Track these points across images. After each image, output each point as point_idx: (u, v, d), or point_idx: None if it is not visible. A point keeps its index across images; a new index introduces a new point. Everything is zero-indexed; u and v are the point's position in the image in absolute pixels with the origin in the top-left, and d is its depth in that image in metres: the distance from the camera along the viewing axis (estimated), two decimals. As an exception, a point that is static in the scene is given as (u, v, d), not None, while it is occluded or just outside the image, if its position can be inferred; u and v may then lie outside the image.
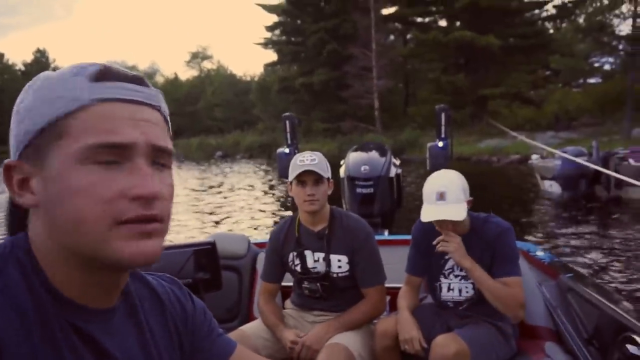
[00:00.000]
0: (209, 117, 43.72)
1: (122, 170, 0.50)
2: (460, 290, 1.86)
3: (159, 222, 0.52)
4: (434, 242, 1.77)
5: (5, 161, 0.53)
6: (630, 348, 1.42)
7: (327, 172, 1.79)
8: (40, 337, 0.49)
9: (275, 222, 7.93)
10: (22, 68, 51.01)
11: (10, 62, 52.08)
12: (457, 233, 1.77)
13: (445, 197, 1.72)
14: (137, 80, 0.54)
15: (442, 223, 1.75)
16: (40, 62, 49.59)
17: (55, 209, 0.50)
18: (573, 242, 6.34)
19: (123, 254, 0.50)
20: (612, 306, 1.63)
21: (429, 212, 1.75)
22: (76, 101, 0.50)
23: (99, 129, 0.50)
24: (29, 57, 52.38)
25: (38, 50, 51.76)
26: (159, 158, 0.54)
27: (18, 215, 0.57)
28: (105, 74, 0.52)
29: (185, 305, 0.71)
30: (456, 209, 1.71)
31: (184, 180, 16.57)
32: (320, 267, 1.84)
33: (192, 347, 0.70)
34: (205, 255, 1.93)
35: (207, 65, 53.72)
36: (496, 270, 1.75)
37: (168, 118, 0.58)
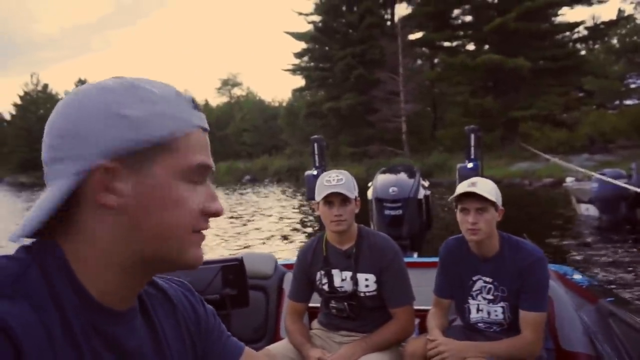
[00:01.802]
0: (237, 141, 44.61)
1: (201, 189, 0.59)
2: (489, 313, 1.80)
3: None
4: (428, 348, 1.71)
5: (102, 161, 0.52)
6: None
7: (354, 192, 1.78)
8: (61, 341, 0.50)
9: (303, 244, 7.93)
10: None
11: (53, 92, 55.06)
12: (485, 234, 1.70)
13: (476, 185, 1.70)
14: (201, 109, 0.62)
15: (469, 204, 1.69)
16: (81, 91, 52.08)
17: (149, 214, 0.55)
18: (613, 267, 6.05)
19: (195, 258, 0.59)
20: None
21: (459, 191, 1.71)
22: (187, 124, 0.58)
23: (200, 151, 0.58)
24: (71, 87, 55.24)
25: (80, 80, 54.53)
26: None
27: (57, 216, 0.54)
28: (195, 103, 0.61)
29: (197, 308, 0.72)
30: (486, 192, 1.68)
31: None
32: (348, 286, 1.82)
33: (205, 350, 0.71)
34: (233, 272, 1.94)
35: (237, 91, 55.22)
36: (523, 302, 1.70)
37: None
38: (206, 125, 0.61)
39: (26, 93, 53.94)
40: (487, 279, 1.78)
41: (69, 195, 0.53)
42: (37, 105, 53.33)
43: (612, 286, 4.69)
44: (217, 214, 0.60)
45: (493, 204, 1.70)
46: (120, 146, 0.53)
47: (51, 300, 0.51)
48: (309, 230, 10.20)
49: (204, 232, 0.61)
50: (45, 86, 54.87)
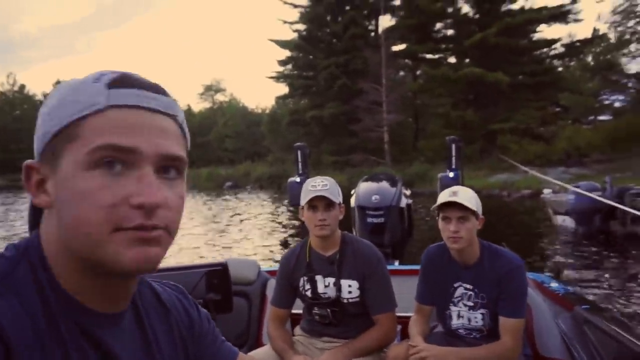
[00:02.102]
0: (219, 147, 44.31)
1: (126, 177, 0.50)
2: (469, 319, 1.83)
3: (162, 228, 0.52)
4: (410, 353, 1.71)
5: (26, 162, 0.54)
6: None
7: (338, 197, 1.80)
8: (48, 338, 0.49)
9: (285, 250, 7.92)
10: (42, 99, 52.58)
11: (30, 93, 53.85)
12: (466, 242, 1.74)
13: (457, 194, 1.73)
14: (155, 88, 0.54)
15: (451, 213, 1.73)
16: (59, 92, 51.04)
17: (63, 211, 0.51)
18: (588, 276, 6.21)
19: (121, 260, 0.50)
20: (631, 338, 1.58)
21: (441, 200, 1.74)
22: (93, 106, 0.50)
23: (109, 132, 0.50)
24: (49, 88, 54.11)
25: (58, 82, 53.38)
26: (170, 167, 0.53)
27: (37, 214, 0.58)
28: (123, 80, 0.52)
29: (190, 312, 0.71)
30: (467, 201, 1.71)
31: (194, 209, 16.64)
32: (331, 292, 1.83)
33: (197, 354, 0.70)
34: (217, 277, 1.93)
35: (220, 97, 54.97)
36: (502, 308, 1.74)
37: (185, 127, 0.57)
38: (132, 102, 0.51)
39: (1, 93, 52.63)
40: (468, 286, 1.81)
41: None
42: (13, 105, 52.06)
43: (587, 294, 4.80)
44: (148, 205, 0.49)
45: (474, 212, 1.73)
46: (39, 144, 0.53)
47: (38, 297, 0.50)
48: (291, 237, 10.16)
49: (149, 230, 0.50)
50: (22, 87, 53.66)
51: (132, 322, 0.61)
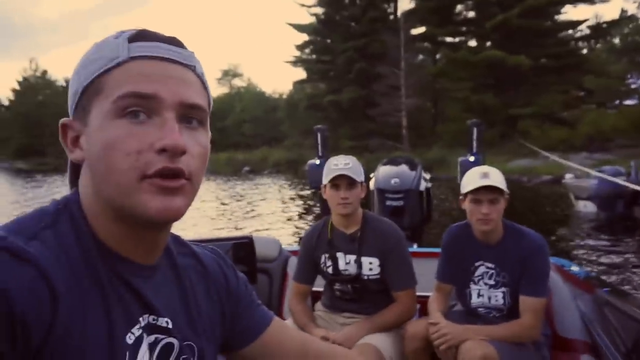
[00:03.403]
0: (237, 132, 44.51)
1: (150, 125, 0.52)
2: (489, 298, 1.85)
3: (186, 178, 0.53)
4: (431, 332, 1.70)
5: (61, 120, 0.57)
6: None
7: (360, 176, 1.83)
8: (88, 282, 0.52)
9: (303, 231, 8.02)
10: (64, 84, 53.46)
11: (52, 78, 54.80)
12: (495, 223, 1.76)
13: (489, 176, 1.75)
14: (173, 41, 0.56)
15: (482, 196, 1.73)
16: (81, 78, 51.73)
17: (94, 162, 0.54)
18: (609, 261, 6.14)
19: (148, 208, 0.52)
20: None
21: (474, 184, 1.75)
22: (114, 60, 0.53)
23: (131, 81, 0.52)
24: (70, 74, 54.86)
25: (78, 67, 54.19)
26: (191, 115, 0.55)
27: (76, 171, 0.61)
28: (142, 35, 0.55)
29: (228, 275, 0.74)
30: (499, 183, 1.73)
31: (215, 191, 16.86)
32: (352, 269, 1.86)
33: (234, 316, 0.73)
34: (244, 249, 1.99)
35: (237, 82, 54.95)
36: (524, 287, 1.75)
37: (204, 78, 0.59)
38: (151, 52, 0.54)
39: (25, 78, 53.60)
40: (490, 265, 1.83)
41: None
42: (35, 91, 53.06)
43: (609, 278, 4.76)
44: (172, 148, 0.51)
45: (503, 193, 1.75)
46: (72, 102, 0.57)
47: (78, 246, 0.54)
48: (309, 219, 10.25)
49: (173, 178, 0.52)
50: (45, 72, 54.51)
51: (169, 277, 0.64)
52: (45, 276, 0.48)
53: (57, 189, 18.44)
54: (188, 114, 0.55)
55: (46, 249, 0.50)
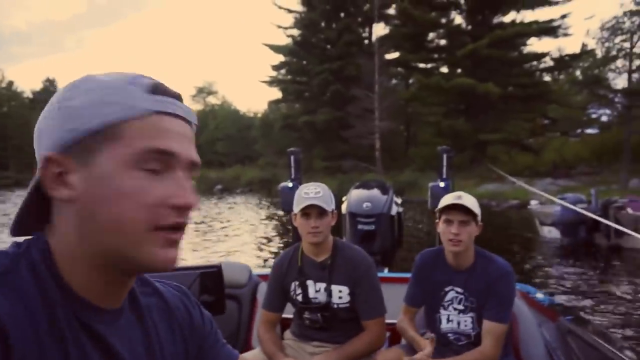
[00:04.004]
0: (210, 150, 44.14)
1: (163, 179, 0.54)
2: (459, 323, 1.87)
3: (183, 231, 0.56)
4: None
5: (47, 153, 0.53)
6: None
7: (331, 205, 1.82)
8: (47, 334, 0.50)
9: (275, 255, 7.92)
10: (30, 96, 51.98)
11: (19, 90, 53.16)
12: (465, 245, 1.79)
13: (462, 198, 1.79)
14: (179, 97, 0.59)
15: (454, 216, 1.77)
16: (49, 90, 50.48)
17: (99, 207, 0.52)
18: (572, 287, 6.31)
19: (156, 259, 0.54)
20: (612, 349, 1.63)
21: (446, 202, 1.80)
22: (133, 109, 0.53)
23: (152, 136, 0.53)
24: (38, 86, 53.55)
25: (47, 80, 52.96)
26: (192, 172, 0.58)
27: (35, 212, 0.57)
28: (157, 88, 0.56)
29: (193, 313, 0.72)
30: (471, 205, 1.77)
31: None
32: (322, 297, 1.85)
33: (198, 356, 0.71)
34: (211, 278, 1.95)
35: (212, 100, 54.77)
36: (487, 311, 1.78)
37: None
38: (170, 109, 0.56)
39: (-10, 89, 51.89)
40: (459, 290, 1.86)
41: (37, 192, 0.56)
42: (0, 102, 51.37)
43: (571, 305, 4.89)
44: (185, 206, 0.54)
45: (475, 217, 1.79)
46: (64, 137, 0.53)
47: (38, 293, 0.51)
48: (282, 241, 10.16)
49: (178, 231, 0.55)
50: (11, 83, 52.87)
51: (133, 319, 0.62)
52: None
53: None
54: (191, 171, 0.58)
55: (2, 297, 0.48)
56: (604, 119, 29.02)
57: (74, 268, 0.54)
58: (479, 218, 1.82)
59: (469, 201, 1.79)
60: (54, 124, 0.54)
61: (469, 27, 29.33)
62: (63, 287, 0.53)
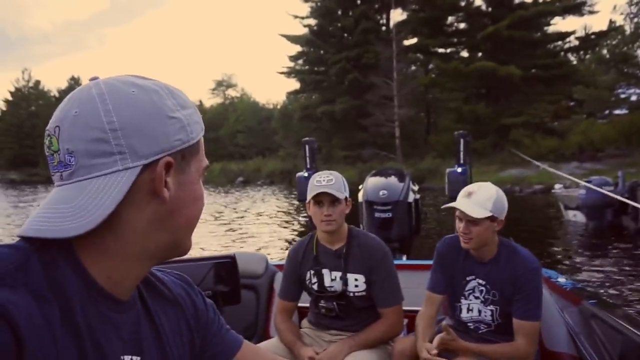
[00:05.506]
0: (231, 143, 44.53)
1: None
2: (479, 312, 1.84)
3: None
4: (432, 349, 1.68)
5: (167, 158, 0.58)
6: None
7: (344, 192, 1.81)
8: (61, 329, 0.50)
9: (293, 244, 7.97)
10: (57, 95, 53.26)
11: (45, 89, 54.57)
12: (477, 243, 1.74)
13: (471, 196, 1.72)
14: None
15: (463, 215, 1.72)
16: (74, 88, 51.57)
17: (182, 208, 0.61)
18: (596, 271, 6.16)
19: (189, 246, 0.66)
20: (638, 332, 1.59)
21: (452, 202, 1.76)
22: (202, 129, 0.66)
23: (204, 155, 0.66)
24: (63, 84, 54.78)
25: (72, 78, 54.10)
26: None
27: None
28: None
29: (195, 301, 0.73)
30: (477, 209, 1.69)
31: (205, 202, 16.78)
32: (337, 286, 1.85)
33: (203, 343, 0.73)
34: (225, 269, 1.97)
35: (231, 93, 55.14)
36: (517, 310, 1.72)
37: None
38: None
39: (17, 89, 53.39)
40: (481, 281, 1.81)
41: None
42: (28, 101, 52.83)
43: (596, 289, 4.77)
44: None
45: (489, 216, 1.70)
46: (175, 145, 0.59)
47: (50, 290, 0.51)
48: (300, 231, 10.22)
49: None
50: (38, 82, 54.35)
51: (141, 310, 0.64)
52: (9, 322, 0.46)
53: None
54: None
55: (14, 293, 0.48)
56: (634, 98, 27.97)
57: (120, 262, 0.57)
58: (499, 212, 1.72)
59: (480, 199, 1.70)
60: (166, 129, 0.58)
61: (489, 9, 28.55)
62: (88, 282, 0.55)
